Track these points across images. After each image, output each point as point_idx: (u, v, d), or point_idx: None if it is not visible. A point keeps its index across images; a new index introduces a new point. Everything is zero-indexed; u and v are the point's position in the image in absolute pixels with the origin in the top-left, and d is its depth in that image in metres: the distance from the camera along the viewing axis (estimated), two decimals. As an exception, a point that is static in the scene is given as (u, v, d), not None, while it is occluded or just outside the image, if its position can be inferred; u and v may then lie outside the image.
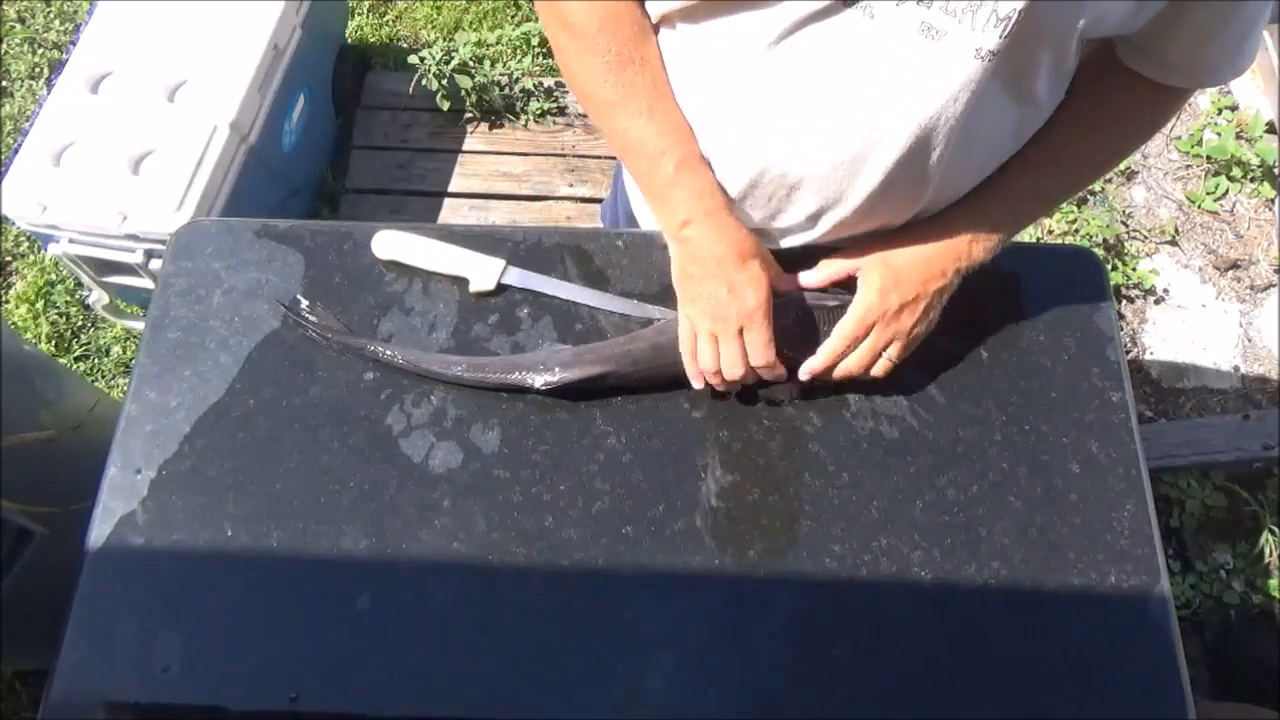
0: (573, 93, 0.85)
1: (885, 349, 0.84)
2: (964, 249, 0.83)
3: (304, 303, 0.93)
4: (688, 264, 0.83)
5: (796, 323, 0.86)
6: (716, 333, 0.82)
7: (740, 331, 0.81)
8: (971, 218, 0.83)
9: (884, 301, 0.82)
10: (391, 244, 0.95)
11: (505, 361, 0.89)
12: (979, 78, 0.69)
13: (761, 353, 0.82)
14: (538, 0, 0.83)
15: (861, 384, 0.89)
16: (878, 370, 0.85)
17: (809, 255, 0.87)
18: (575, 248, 0.97)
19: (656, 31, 0.81)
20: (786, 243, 0.89)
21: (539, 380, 0.87)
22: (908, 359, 0.86)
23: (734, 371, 0.82)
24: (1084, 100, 0.81)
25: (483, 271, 0.94)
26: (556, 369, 0.87)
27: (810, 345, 0.85)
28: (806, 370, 0.85)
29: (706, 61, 0.77)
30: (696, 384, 0.86)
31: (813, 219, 0.84)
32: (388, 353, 0.90)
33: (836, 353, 0.84)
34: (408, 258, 0.95)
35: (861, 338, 0.83)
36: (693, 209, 0.80)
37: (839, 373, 0.86)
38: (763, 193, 0.82)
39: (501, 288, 0.94)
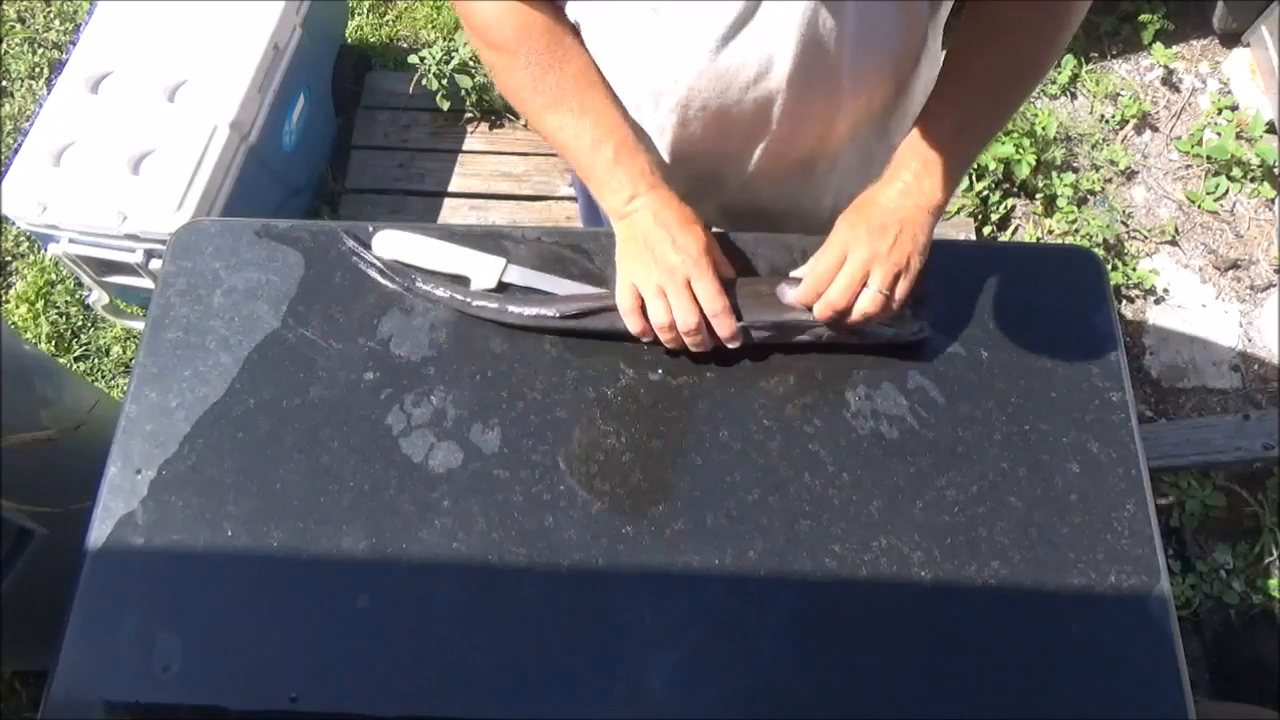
0: (508, 100, 0.88)
1: (866, 280, 0.83)
2: (914, 186, 0.84)
3: (350, 241, 0.95)
4: (633, 231, 0.86)
5: (747, 295, 0.87)
6: (664, 286, 0.83)
7: (688, 283, 0.83)
8: (907, 167, 0.85)
9: (852, 231, 0.83)
10: (392, 243, 0.95)
11: (542, 298, 0.92)
12: None
13: (713, 298, 0.83)
14: (464, 23, 0.88)
15: (859, 383, 0.89)
16: (867, 302, 0.83)
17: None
18: (575, 247, 0.97)
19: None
20: (752, 178, 0.94)
21: (574, 308, 0.90)
22: (912, 360, 0.86)
23: (689, 321, 0.83)
24: (977, 20, 0.83)
25: (484, 270, 0.94)
26: (585, 302, 0.90)
27: (762, 313, 0.87)
28: (795, 298, 0.85)
29: (609, 11, 0.82)
30: (641, 334, 0.87)
31: (749, 141, 0.89)
32: (443, 293, 0.92)
33: (821, 280, 0.84)
34: (409, 257, 0.95)
35: (837, 267, 0.83)
36: (637, 185, 0.85)
37: (822, 308, 0.84)
38: (696, 127, 0.87)
39: (503, 286, 0.94)
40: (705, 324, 0.84)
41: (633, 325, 0.86)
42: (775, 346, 0.90)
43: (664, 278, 0.83)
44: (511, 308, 0.91)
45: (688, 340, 0.85)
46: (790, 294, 0.86)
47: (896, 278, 0.83)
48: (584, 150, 0.86)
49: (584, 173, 0.88)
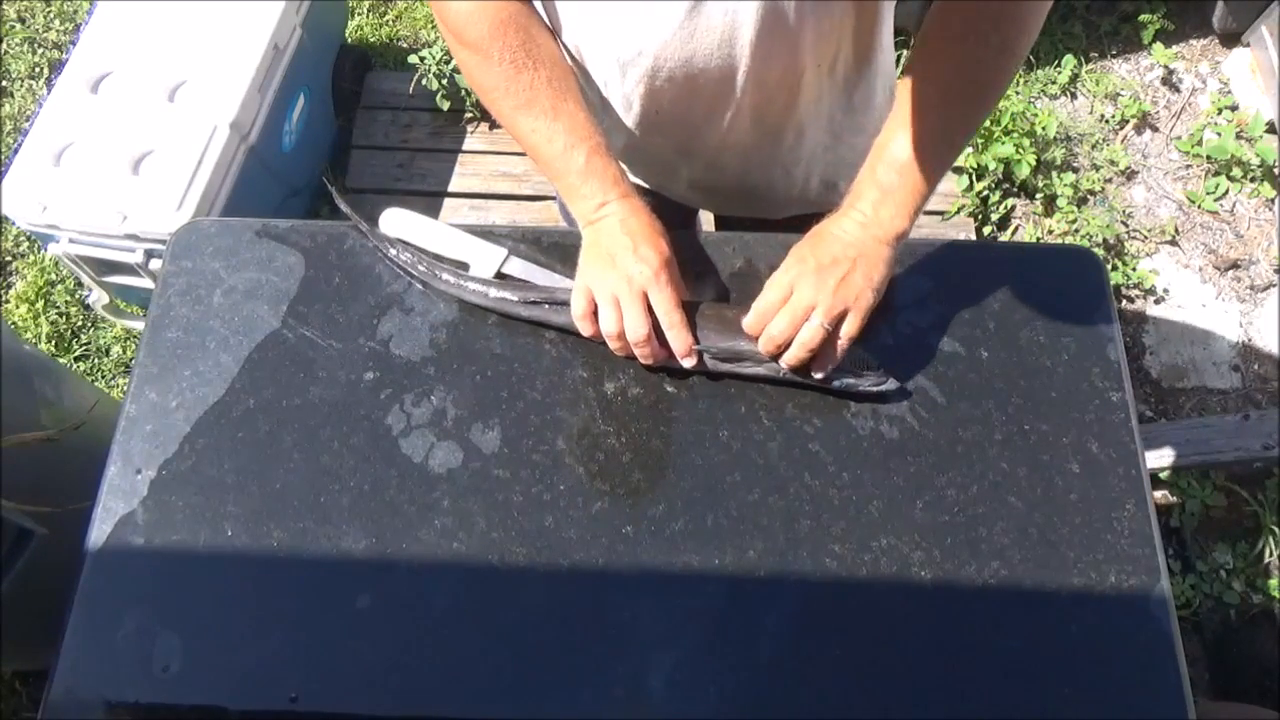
0: (481, 101, 0.89)
1: (810, 314, 0.82)
2: (872, 217, 0.84)
3: (366, 226, 0.96)
4: (598, 237, 0.86)
5: (711, 318, 0.87)
6: (618, 294, 0.83)
7: (643, 294, 0.82)
8: (864, 196, 0.85)
9: (800, 265, 0.83)
10: (398, 222, 0.96)
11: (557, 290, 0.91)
12: None
13: (669, 311, 0.83)
14: (438, 21, 0.88)
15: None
16: (807, 335, 0.82)
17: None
18: (574, 247, 0.97)
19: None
20: (721, 150, 0.94)
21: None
22: (912, 360, 0.86)
23: (638, 332, 0.82)
24: (925, 36, 0.82)
25: (484, 259, 0.94)
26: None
27: (722, 337, 0.86)
28: (745, 327, 0.85)
29: None
30: (591, 338, 0.87)
31: (716, 110, 0.89)
32: (459, 282, 0.92)
33: (766, 313, 0.83)
34: (413, 238, 0.96)
35: (781, 302, 0.83)
36: (608, 191, 0.86)
37: (765, 342, 0.84)
38: (664, 98, 0.87)
39: (501, 278, 0.94)
40: (658, 336, 0.84)
41: (583, 329, 0.86)
42: (733, 376, 0.89)
43: (620, 286, 0.82)
44: (473, 286, 0.92)
45: (636, 351, 0.85)
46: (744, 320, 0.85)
47: (843, 314, 0.83)
48: (556, 155, 0.85)
49: (555, 177, 0.88)
